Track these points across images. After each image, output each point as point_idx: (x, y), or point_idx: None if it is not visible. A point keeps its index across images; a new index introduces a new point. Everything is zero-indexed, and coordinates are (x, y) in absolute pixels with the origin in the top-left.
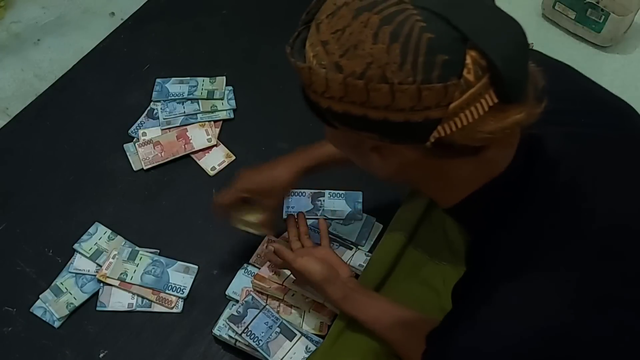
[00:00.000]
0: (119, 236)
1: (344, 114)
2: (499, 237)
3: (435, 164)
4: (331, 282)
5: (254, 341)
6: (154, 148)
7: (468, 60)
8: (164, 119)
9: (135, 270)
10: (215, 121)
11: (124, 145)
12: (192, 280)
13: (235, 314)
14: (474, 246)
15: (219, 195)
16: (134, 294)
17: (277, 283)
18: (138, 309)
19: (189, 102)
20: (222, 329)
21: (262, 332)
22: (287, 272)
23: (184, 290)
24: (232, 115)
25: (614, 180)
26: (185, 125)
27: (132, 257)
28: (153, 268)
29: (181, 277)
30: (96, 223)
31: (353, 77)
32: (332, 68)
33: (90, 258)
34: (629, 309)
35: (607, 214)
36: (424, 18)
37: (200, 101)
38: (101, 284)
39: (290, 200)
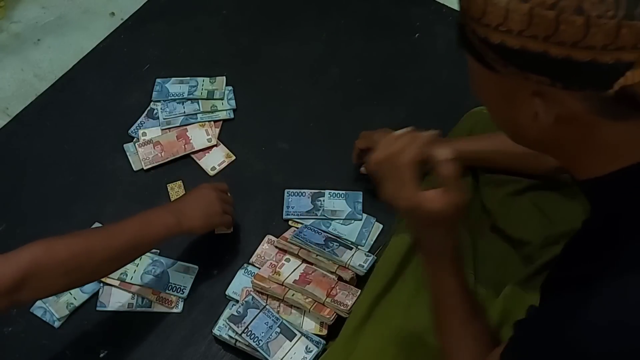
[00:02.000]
0: None
1: (519, 51)
2: (610, 233)
3: (594, 124)
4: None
5: (254, 341)
6: (154, 148)
7: None
8: (164, 119)
9: (135, 270)
10: (215, 121)
11: (124, 145)
12: (192, 280)
13: (235, 314)
14: (595, 230)
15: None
16: (134, 294)
17: (277, 283)
18: (138, 309)
19: (189, 102)
20: (222, 329)
21: (262, 332)
22: (287, 272)
23: (184, 290)
24: (232, 115)
25: None
26: (185, 125)
27: None
28: (153, 268)
29: (181, 277)
30: (96, 223)
31: (542, 7)
32: None
33: None
34: None
35: None
36: None
37: (200, 101)
38: (101, 284)
39: (290, 200)
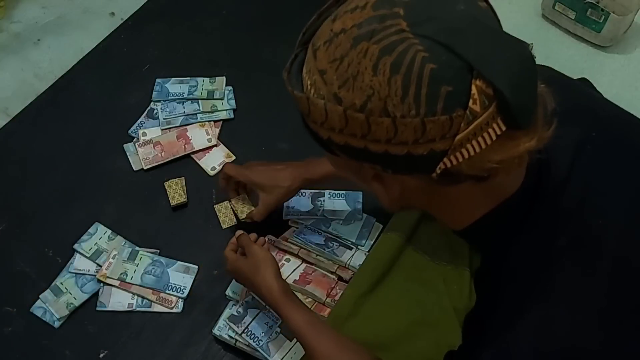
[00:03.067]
0: (119, 236)
1: (345, 145)
2: (511, 260)
3: (439, 190)
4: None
5: (254, 341)
6: (154, 148)
7: (473, 90)
8: (164, 119)
9: (135, 271)
10: (215, 121)
11: (124, 145)
12: (192, 280)
13: (235, 314)
14: (483, 269)
15: (229, 166)
16: (134, 294)
17: None
18: (138, 309)
19: (189, 102)
20: (222, 329)
21: (262, 332)
22: (287, 272)
23: (184, 290)
24: (232, 115)
25: (625, 193)
26: (185, 125)
27: (132, 257)
28: (153, 268)
29: (181, 277)
30: (96, 223)
31: (353, 109)
32: (331, 99)
33: (90, 258)
34: None
35: (621, 230)
36: (426, 47)
37: (200, 101)
38: (101, 284)
39: (290, 200)
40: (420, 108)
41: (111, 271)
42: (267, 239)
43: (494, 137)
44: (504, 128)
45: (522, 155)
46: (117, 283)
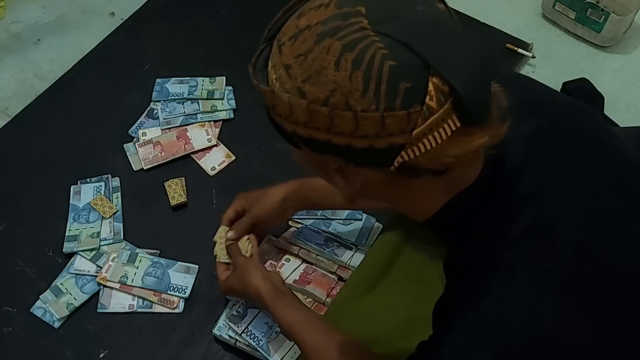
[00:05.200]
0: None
1: (309, 139)
2: (469, 250)
3: (400, 183)
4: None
5: (254, 341)
6: (154, 148)
7: (430, 87)
8: (164, 119)
9: (135, 273)
10: (215, 121)
11: (124, 145)
12: (193, 280)
13: (235, 314)
14: (449, 260)
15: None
16: (134, 295)
17: None
18: (139, 310)
19: (189, 102)
20: (222, 329)
21: (262, 332)
22: (287, 272)
23: (185, 291)
24: (232, 115)
25: (578, 178)
26: (185, 125)
27: (131, 259)
28: (153, 270)
29: (182, 277)
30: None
31: (317, 103)
32: (295, 93)
33: (90, 259)
34: (608, 309)
35: (576, 213)
36: (386, 45)
37: (200, 101)
38: (101, 286)
39: None
40: (380, 103)
41: (111, 274)
42: (266, 238)
43: (449, 133)
44: (458, 124)
45: (477, 150)
46: (117, 286)
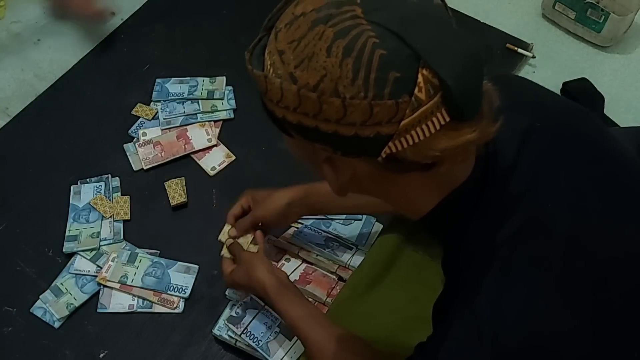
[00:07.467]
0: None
1: (298, 125)
2: (464, 249)
3: (388, 177)
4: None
5: (253, 342)
6: (154, 148)
7: (420, 78)
8: (164, 119)
9: (135, 273)
10: (215, 121)
11: (124, 145)
12: (193, 280)
13: (234, 315)
14: (445, 259)
15: (234, 228)
16: (134, 295)
17: None
18: (139, 310)
19: (189, 102)
20: (222, 329)
21: (262, 333)
22: (287, 272)
23: (185, 291)
24: (232, 115)
25: (570, 178)
26: (185, 125)
27: (131, 259)
28: (154, 270)
29: (182, 277)
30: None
31: (307, 89)
32: (287, 78)
33: (90, 259)
34: (609, 303)
35: (570, 212)
36: (378, 34)
37: (200, 101)
38: (101, 286)
39: None
40: (369, 91)
41: (111, 274)
42: (266, 238)
43: (437, 127)
44: (447, 119)
45: (466, 146)
46: (117, 286)
